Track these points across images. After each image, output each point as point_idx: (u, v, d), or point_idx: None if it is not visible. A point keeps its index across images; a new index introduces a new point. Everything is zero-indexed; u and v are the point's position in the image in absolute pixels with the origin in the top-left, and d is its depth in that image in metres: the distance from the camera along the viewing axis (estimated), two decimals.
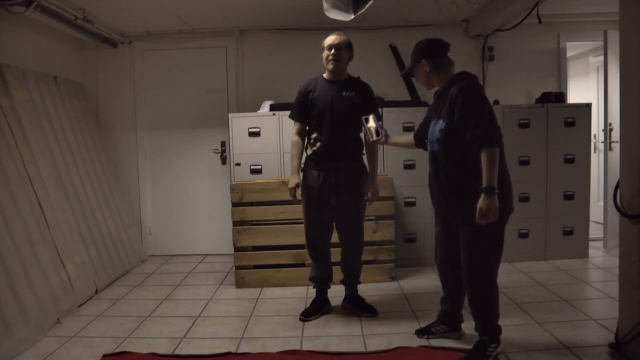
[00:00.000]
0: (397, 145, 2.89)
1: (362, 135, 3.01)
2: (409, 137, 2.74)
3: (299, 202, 3.00)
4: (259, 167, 4.14)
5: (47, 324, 2.88)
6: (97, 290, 3.60)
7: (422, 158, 4.08)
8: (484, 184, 2.11)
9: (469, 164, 2.20)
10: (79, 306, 3.30)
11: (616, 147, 4.14)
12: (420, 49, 2.44)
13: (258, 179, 4.00)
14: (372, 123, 2.70)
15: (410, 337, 2.67)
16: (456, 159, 2.27)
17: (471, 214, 2.17)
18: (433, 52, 2.41)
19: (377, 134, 2.69)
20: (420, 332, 2.68)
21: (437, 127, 2.33)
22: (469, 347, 2.42)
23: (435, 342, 2.59)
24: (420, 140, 2.64)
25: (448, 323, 2.63)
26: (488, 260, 2.28)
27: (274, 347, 2.59)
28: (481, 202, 2.11)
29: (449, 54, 2.42)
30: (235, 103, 4.69)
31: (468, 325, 2.63)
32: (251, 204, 3.67)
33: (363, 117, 2.73)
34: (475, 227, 2.21)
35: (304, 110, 2.96)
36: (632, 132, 2.32)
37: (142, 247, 4.69)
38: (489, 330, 2.35)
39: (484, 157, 2.12)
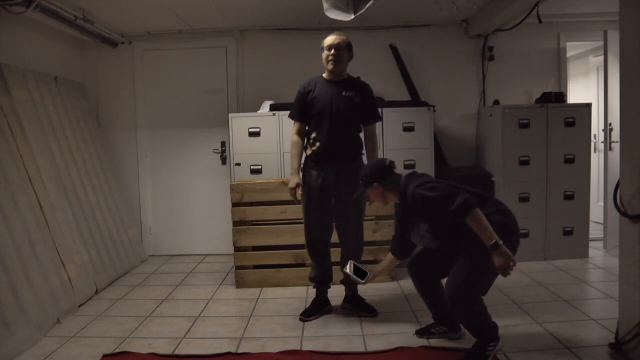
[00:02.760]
0: (385, 272, 2.85)
1: (361, 135, 3.01)
2: (389, 259, 2.71)
3: (299, 202, 3.00)
4: (259, 167, 4.14)
5: (47, 324, 2.88)
6: (97, 290, 3.60)
7: (422, 158, 4.10)
8: (487, 244, 2.13)
9: (464, 231, 2.22)
10: (79, 306, 3.30)
11: (616, 147, 4.14)
12: (369, 174, 2.52)
13: (258, 179, 4.00)
14: (353, 270, 2.66)
15: (410, 337, 2.67)
16: (455, 236, 2.32)
17: (475, 249, 2.21)
18: (382, 175, 2.49)
19: (364, 275, 2.65)
20: (420, 333, 2.68)
21: (423, 231, 2.39)
22: (469, 347, 2.42)
23: (435, 342, 2.60)
24: (402, 253, 2.66)
25: (447, 323, 2.63)
26: (478, 283, 2.29)
27: (274, 347, 2.59)
28: (495, 260, 2.13)
29: (394, 170, 2.51)
30: (235, 103, 4.69)
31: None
32: (251, 204, 3.67)
33: (344, 270, 2.70)
34: (475, 259, 2.25)
35: (303, 110, 2.96)
36: (632, 132, 2.32)
37: (142, 247, 4.69)
38: (485, 335, 2.35)
39: (471, 224, 2.16)
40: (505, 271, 2.13)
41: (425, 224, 2.37)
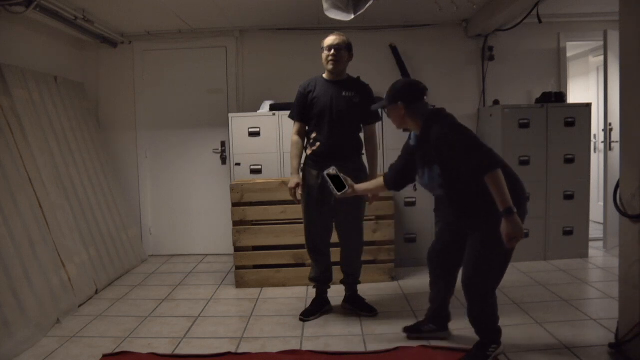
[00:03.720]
0: (367, 193, 2.72)
1: (361, 135, 3.01)
2: (378, 182, 2.65)
3: (299, 202, 3.00)
4: (259, 167, 4.14)
5: (47, 324, 2.88)
6: (97, 290, 3.60)
7: None
8: (501, 208, 2.05)
9: (477, 191, 2.16)
10: (79, 306, 3.30)
11: (616, 147, 4.14)
12: (397, 90, 2.37)
13: (258, 179, 4.00)
14: (333, 178, 2.57)
15: (411, 337, 2.66)
16: (463, 194, 2.25)
17: (487, 225, 2.17)
18: (410, 96, 2.34)
19: (342, 187, 2.57)
20: (409, 330, 2.66)
21: (435, 173, 2.29)
22: (469, 347, 2.42)
23: (436, 342, 2.59)
24: (394, 185, 2.58)
25: (437, 322, 2.63)
26: (488, 270, 2.26)
27: (274, 347, 2.59)
28: (504, 226, 2.06)
29: (425, 98, 2.37)
30: (235, 103, 4.69)
31: (458, 326, 2.64)
32: (251, 204, 3.67)
33: (325, 173, 2.61)
34: (486, 236, 2.20)
35: (303, 111, 2.96)
36: (632, 132, 2.32)
37: (142, 247, 4.69)
38: (488, 334, 2.36)
39: (490, 183, 2.07)
40: (512, 241, 2.06)
41: (439, 167, 2.24)
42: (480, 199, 2.16)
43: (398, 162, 2.56)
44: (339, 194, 2.56)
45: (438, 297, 2.60)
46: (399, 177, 2.55)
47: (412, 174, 2.49)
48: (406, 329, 2.68)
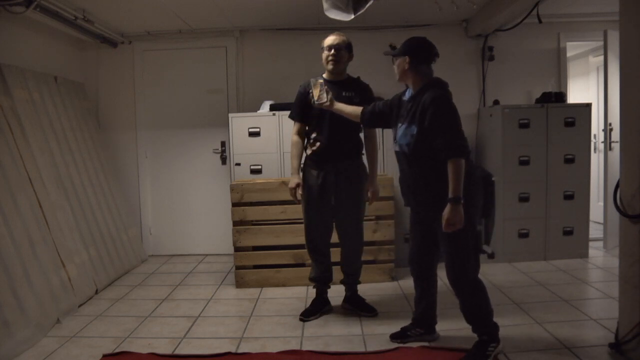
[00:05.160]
0: (340, 113, 2.75)
1: (361, 135, 3.01)
2: (354, 109, 2.71)
3: (299, 202, 3.00)
4: (259, 167, 4.14)
5: (47, 324, 2.88)
6: (97, 290, 3.60)
7: None
8: (450, 194, 2.16)
9: (441, 169, 2.22)
10: (79, 306, 3.30)
11: (616, 147, 4.14)
12: (410, 45, 2.40)
13: (258, 179, 4.00)
14: (318, 87, 2.68)
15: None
16: (427, 165, 2.30)
17: (433, 205, 2.25)
18: (420, 55, 2.38)
19: (323, 97, 2.67)
20: (395, 337, 2.64)
21: (409, 132, 2.33)
22: (469, 347, 2.42)
23: (435, 342, 2.59)
24: (368, 121, 2.67)
25: (423, 325, 2.63)
26: (468, 258, 2.30)
27: (274, 347, 2.59)
28: (447, 211, 2.16)
29: (432, 65, 2.41)
30: (235, 103, 4.69)
31: (456, 326, 2.64)
32: (251, 204, 3.67)
33: (311, 79, 2.70)
34: (458, 230, 2.23)
35: (303, 111, 2.96)
36: (632, 132, 2.32)
37: (142, 247, 4.69)
38: (485, 329, 2.36)
39: (450, 168, 2.17)
40: (449, 227, 2.16)
41: (416, 128, 2.29)
42: (443, 181, 2.19)
43: (382, 105, 2.63)
44: (317, 102, 2.69)
45: (422, 299, 2.60)
46: (375, 115, 2.63)
47: (387, 121, 2.58)
48: (392, 335, 2.65)
